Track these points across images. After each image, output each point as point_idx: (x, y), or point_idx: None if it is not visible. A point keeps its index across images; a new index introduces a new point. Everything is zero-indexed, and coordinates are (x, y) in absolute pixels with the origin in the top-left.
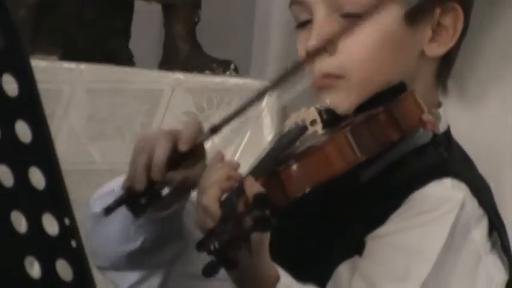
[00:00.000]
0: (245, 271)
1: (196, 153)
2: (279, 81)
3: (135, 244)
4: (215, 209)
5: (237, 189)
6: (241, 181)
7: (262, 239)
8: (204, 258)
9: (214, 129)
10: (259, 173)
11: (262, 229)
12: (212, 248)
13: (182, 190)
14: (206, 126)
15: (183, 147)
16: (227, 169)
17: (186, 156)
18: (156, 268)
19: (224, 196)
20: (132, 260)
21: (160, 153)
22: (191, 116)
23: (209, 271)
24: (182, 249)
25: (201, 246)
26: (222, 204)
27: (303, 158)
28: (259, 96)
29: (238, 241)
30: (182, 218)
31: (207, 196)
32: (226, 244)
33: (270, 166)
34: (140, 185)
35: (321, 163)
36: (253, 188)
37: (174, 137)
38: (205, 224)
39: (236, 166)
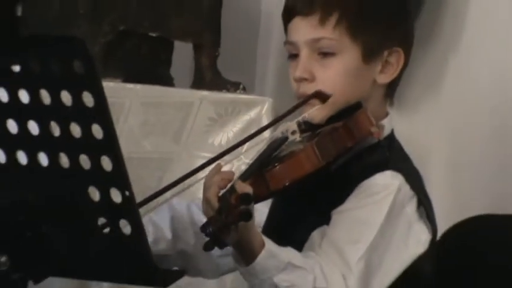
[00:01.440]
0: (235, 246)
1: None
2: (282, 116)
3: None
4: (214, 202)
5: (230, 188)
6: (234, 182)
7: (247, 225)
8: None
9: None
10: (250, 173)
11: (245, 220)
12: (208, 231)
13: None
14: (224, 129)
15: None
16: (224, 174)
17: None
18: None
19: (221, 193)
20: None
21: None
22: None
23: (206, 248)
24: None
25: (201, 229)
26: (219, 199)
27: (282, 162)
28: (269, 126)
29: (228, 227)
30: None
31: (209, 192)
32: (218, 229)
33: (258, 168)
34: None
35: (295, 166)
36: (242, 188)
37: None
38: (207, 212)
39: (231, 173)
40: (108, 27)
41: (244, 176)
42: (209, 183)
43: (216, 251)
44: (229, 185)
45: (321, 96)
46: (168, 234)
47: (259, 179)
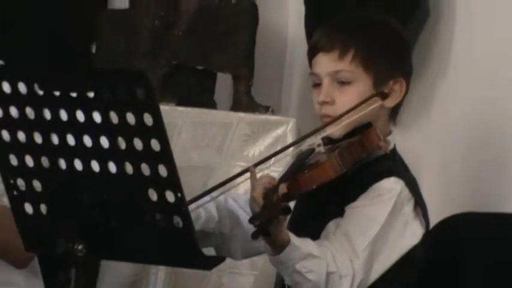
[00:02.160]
0: (272, 237)
1: None
2: (305, 137)
3: None
4: (260, 200)
5: (272, 189)
6: (275, 184)
7: (284, 219)
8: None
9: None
10: (286, 177)
11: (285, 214)
12: (255, 223)
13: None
14: (257, 143)
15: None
16: (267, 178)
17: None
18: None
19: (265, 192)
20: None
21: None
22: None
23: (253, 236)
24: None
25: (250, 221)
26: (264, 197)
27: (310, 169)
28: (293, 144)
29: (271, 220)
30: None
31: (255, 192)
32: (264, 222)
33: (292, 174)
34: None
35: (321, 173)
36: (282, 189)
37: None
38: (254, 208)
39: (272, 177)
40: (164, 62)
41: (282, 180)
42: (255, 185)
43: (245, 238)
44: (271, 187)
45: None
46: (216, 217)
47: (293, 182)
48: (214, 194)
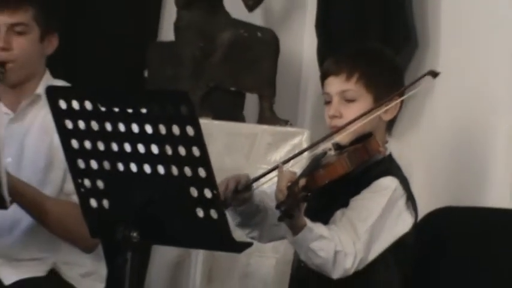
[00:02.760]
0: (293, 220)
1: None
2: (318, 142)
3: (237, 220)
4: (284, 190)
5: (294, 182)
6: (296, 179)
7: (303, 206)
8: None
9: (277, 166)
10: (305, 174)
11: (305, 201)
12: (282, 209)
13: (242, 201)
14: (278, 150)
15: (240, 187)
16: (290, 173)
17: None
18: (254, 226)
19: (289, 184)
20: (241, 226)
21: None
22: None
23: (280, 219)
24: (264, 215)
25: (277, 207)
26: (287, 188)
27: (324, 168)
28: (310, 147)
29: (294, 207)
30: (254, 206)
31: (281, 184)
32: (289, 208)
33: (310, 171)
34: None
35: (332, 171)
36: (302, 182)
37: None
38: (279, 197)
39: (294, 173)
40: (203, 85)
41: (302, 175)
42: (281, 178)
43: (270, 225)
44: (293, 180)
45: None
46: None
47: (310, 178)
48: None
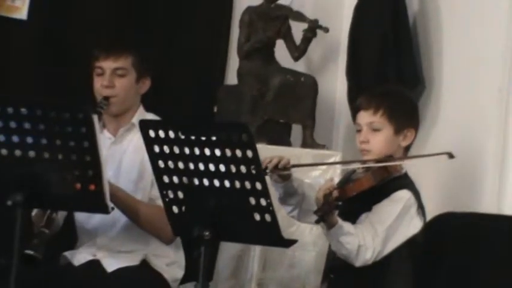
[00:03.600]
0: (329, 222)
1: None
2: (349, 162)
3: (279, 193)
4: (321, 199)
5: (329, 193)
6: (331, 190)
7: (335, 212)
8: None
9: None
10: (338, 186)
11: (336, 209)
12: (318, 214)
13: (282, 178)
14: (317, 168)
15: (280, 165)
16: (327, 185)
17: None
18: (293, 205)
19: (325, 194)
20: (282, 201)
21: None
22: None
23: (316, 222)
24: (301, 199)
25: (315, 213)
26: (324, 197)
27: (354, 182)
28: (340, 163)
29: (329, 213)
30: (292, 187)
31: (319, 193)
32: (324, 213)
33: (342, 184)
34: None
35: (360, 185)
36: (336, 193)
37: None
38: (318, 204)
39: (332, 185)
40: (259, 118)
41: (336, 187)
42: (320, 189)
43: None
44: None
45: (372, 151)
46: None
47: (342, 190)
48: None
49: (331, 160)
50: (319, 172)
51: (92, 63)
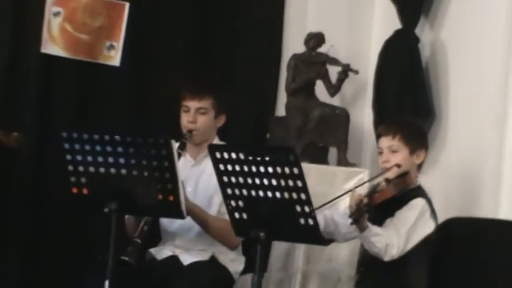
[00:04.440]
0: (360, 224)
1: None
2: (374, 178)
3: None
4: (353, 206)
5: (360, 201)
6: (361, 199)
7: (366, 216)
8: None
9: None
10: (366, 196)
11: (366, 213)
12: (352, 218)
13: None
14: (348, 183)
15: None
16: (358, 194)
17: None
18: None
19: (356, 203)
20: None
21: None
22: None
23: (351, 224)
24: (335, 227)
25: (349, 216)
26: (356, 205)
27: (379, 192)
28: (369, 181)
29: (359, 217)
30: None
31: (352, 201)
32: (356, 217)
33: (369, 194)
34: None
35: (384, 195)
36: (365, 200)
37: None
38: (351, 210)
39: (361, 194)
40: (302, 142)
41: (365, 197)
42: (351, 198)
43: (343, 231)
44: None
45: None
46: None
47: (370, 199)
48: (334, 203)
49: (360, 176)
50: (349, 185)
51: (180, 101)
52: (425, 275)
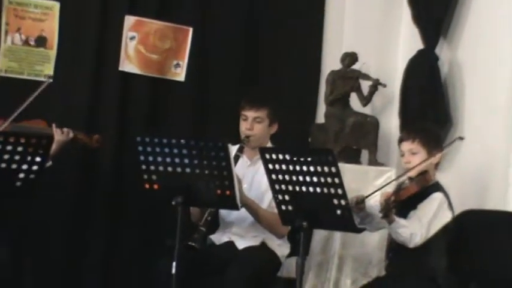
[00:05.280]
0: (389, 218)
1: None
2: (399, 177)
3: (357, 221)
4: (383, 203)
5: (388, 198)
6: (390, 196)
7: (394, 210)
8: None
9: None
10: (393, 193)
11: (394, 208)
12: (382, 213)
13: (360, 209)
14: (378, 180)
15: (359, 200)
16: (387, 192)
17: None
18: (366, 224)
19: (385, 199)
20: (360, 223)
21: (354, 200)
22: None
23: (382, 218)
24: (371, 219)
25: (380, 212)
26: (385, 201)
27: (404, 189)
28: (395, 179)
29: (388, 212)
30: (366, 213)
31: (382, 199)
32: (386, 212)
33: (395, 192)
34: None
35: (408, 191)
36: (392, 198)
37: (358, 197)
38: (381, 206)
39: (389, 192)
40: (339, 145)
41: (392, 194)
42: (382, 196)
43: (376, 223)
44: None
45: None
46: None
47: (397, 195)
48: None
49: (388, 174)
50: (379, 182)
51: (239, 110)
52: (445, 258)
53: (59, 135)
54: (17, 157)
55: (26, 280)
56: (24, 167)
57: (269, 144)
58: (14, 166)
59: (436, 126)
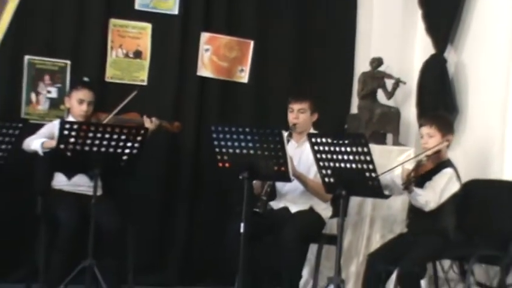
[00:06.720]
0: (409, 190)
1: None
2: (418, 155)
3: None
4: (404, 177)
5: (409, 173)
6: (410, 171)
7: (413, 184)
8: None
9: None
10: (413, 169)
11: (414, 182)
12: (403, 186)
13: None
14: (400, 156)
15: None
16: (407, 169)
17: None
18: (389, 191)
19: (406, 174)
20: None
21: None
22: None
23: (404, 189)
24: (394, 185)
25: (402, 185)
26: (406, 176)
27: (422, 166)
28: (415, 157)
29: (409, 185)
30: (386, 180)
31: (403, 174)
32: (407, 185)
33: (414, 169)
34: None
35: (426, 167)
36: (412, 173)
37: None
38: (403, 179)
39: (409, 169)
40: (369, 130)
41: (412, 170)
42: (403, 171)
43: (397, 189)
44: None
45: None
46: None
47: (416, 171)
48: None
49: (408, 152)
50: (401, 158)
51: (287, 103)
52: (454, 218)
53: (148, 123)
54: (121, 143)
55: (130, 242)
56: (127, 151)
57: (312, 130)
58: (119, 151)
59: (447, 114)
